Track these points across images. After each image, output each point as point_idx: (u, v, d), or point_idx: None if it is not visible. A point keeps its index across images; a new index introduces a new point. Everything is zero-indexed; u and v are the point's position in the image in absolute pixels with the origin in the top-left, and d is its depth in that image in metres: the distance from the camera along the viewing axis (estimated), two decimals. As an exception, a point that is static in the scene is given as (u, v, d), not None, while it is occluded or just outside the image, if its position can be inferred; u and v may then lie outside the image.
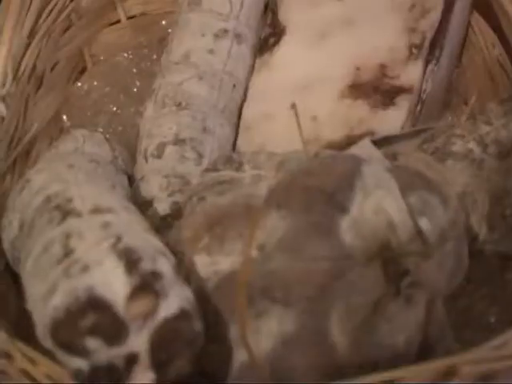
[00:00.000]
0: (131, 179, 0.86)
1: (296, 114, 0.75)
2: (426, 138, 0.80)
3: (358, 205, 0.62)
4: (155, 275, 0.58)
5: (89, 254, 0.59)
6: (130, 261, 0.58)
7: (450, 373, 0.59)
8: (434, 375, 0.59)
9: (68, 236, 0.62)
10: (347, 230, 0.62)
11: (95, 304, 0.56)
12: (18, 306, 0.66)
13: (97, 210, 0.64)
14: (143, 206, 0.83)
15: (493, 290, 0.76)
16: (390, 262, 0.62)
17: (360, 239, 0.62)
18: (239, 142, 0.92)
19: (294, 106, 0.76)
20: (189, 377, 0.59)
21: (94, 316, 0.56)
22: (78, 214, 0.64)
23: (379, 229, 0.62)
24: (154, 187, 0.85)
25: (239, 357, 0.63)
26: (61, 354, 0.58)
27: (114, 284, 0.57)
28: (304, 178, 0.64)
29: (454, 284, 0.67)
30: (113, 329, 0.56)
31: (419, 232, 0.63)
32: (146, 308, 0.57)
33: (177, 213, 0.82)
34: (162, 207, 0.84)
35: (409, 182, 0.66)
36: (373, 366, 0.60)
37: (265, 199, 0.65)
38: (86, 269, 0.58)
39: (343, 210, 0.62)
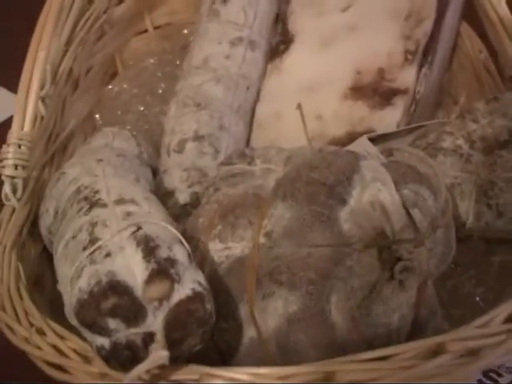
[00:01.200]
0: (156, 172, 0.84)
1: (301, 114, 0.73)
2: (419, 135, 0.79)
3: (356, 197, 0.60)
4: (170, 261, 0.56)
5: (111, 242, 0.57)
6: (148, 248, 0.56)
7: (440, 350, 0.56)
8: (425, 352, 0.56)
9: (94, 225, 0.60)
10: (346, 219, 0.60)
11: (116, 288, 0.54)
12: (54, 285, 0.64)
13: (120, 201, 0.62)
14: (166, 196, 0.82)
15: (479, 272, 0.74)
16: (385, 249, 0.59)
17: (357, 228, 0.59)
18: (252, 138, 0.90)
19: (299, 107, 0.74)
20: (202, 350, 0.57)
21: (114, 299, 0.54)
22: (104, 205, 0.62)
23: (375, 219, 0.60)
24: (175, 179, 0.83)
25: (248, 333, 0.61)
26: (85, 332, 0.56)
27: (133, 269, 0.55)
28: (308, 172, 0.61)
29: (443, 267, 0.65)
30: (131, 311, 0.54)
31: (412, 221, 0.61)
32: (161, 291, 0.55)
33: (195, 202, 0.80)
34: (183, 197, 0.82)
35: (402, 175, 0.64)
36: (369, 343, 0.59)
37: (272, 190, 0.63)
38: (108, 255, 0.56)
39: (343, 201, 0.60)
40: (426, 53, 0.86)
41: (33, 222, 0.74)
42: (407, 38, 0.86)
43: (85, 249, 0.58)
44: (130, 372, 0.53)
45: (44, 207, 0.73)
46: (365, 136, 0.73)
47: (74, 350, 0.59)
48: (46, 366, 0.59)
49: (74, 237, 0.60)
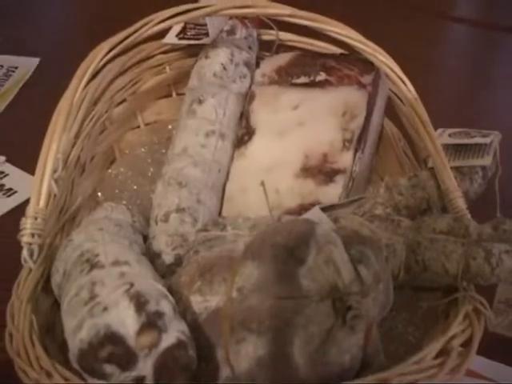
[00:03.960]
0: (146, 238, 0.78)
1: (264, 189, 0.69)
2: (358, 205, 0.73)
3: (313, 257, 0.54)
4: (158, 314, 0.50)
5: (108, 298, 0.51)
6: (139, 303, 0.50)
7: None
8: None
9: (93, 284, 0.54)
10: (305, 276, 0.53)
11: (112, 338, 0.49)
12: (63, 331, 0.57)
13: (116, 263, 0.57)
14: (154, 257, 0.75)
15: (409, 314, 0.69)
16: (338, 300, 0.53)
17: (314, 283, 0.53)
18: (223, 210, 0.84)
19: (262, 183, 0.69)
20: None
21: (110, 348, 0.48)
22: (102, 266, 0.56)
23: (329, 275, 0.54)
24: (161, 244, 0.76)
25: (224, 373, 0.55)
26: (86, 376, 0.50)
27: (126, 322, 0.49)
28: (272, 237, 0.56)
29: (384, 313, 0.60)
30: (125, 357, 0.48)
31: (358, 276, 0.56)
32: (151, 340, 0.49)
33: (178, 262, 0.74)
34: (168, 258, 0.75)
35: (349, 238, 0.58)
36: (325, 380, 0.52)
37: (243, 253, 0.57)
38: (105, 309, 0.50)
39: (301, 261, 0.53)
40: (359, 141, 0.81)
41: (46, 279, 0.67)
42: (344, 129, 0.82)
43: (85, 304, 0.52)
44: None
45: (55, 268, 0.66)
46: (317, 206, 0.67)
47: (77, 391, 0.52)
48: (52, 405, 0.52)
49: (76, 294, 0.54)
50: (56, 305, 0.66)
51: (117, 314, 0.49)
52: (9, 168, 1.01)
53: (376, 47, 0.78)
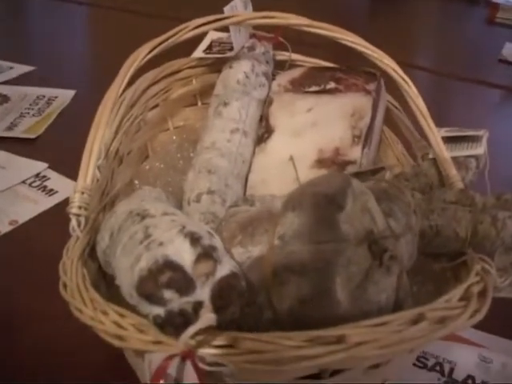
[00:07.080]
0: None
1: (293, 162, 0.65)
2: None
3: (350, 205, 0.49)
4: (212, 247, 0.45)
5: (163, 236, 0.46)
6: (194, 238, 0.45)
7: (420, 318, 0.46)
8: (410, 320, 0.46)
9: (147, 227, 0.48)
10: (344, 221, 0.48)
11: (170, 265, 0.43)
12: (107, 294, 0.52)
13: (166, 213, 0.51)
14: None
15: (423, 277, 0.62)
16: (374, 243, 0.48)
17: (352, 228, 0.48)
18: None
19: (291, 158, 0.64)
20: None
21: (169, 274, 0.43)
22: (153, 216, 0.50)
23: (365, 221, 0.49)
24: (194, 220, 0.70)
25: (266, 315, 0.49)
26: (143, 305, 0.44)
27: (183, 253, 0.44)
28: (311, 188, 0.50)
29: (411, 262, 0.54)
30: (184, 283, 0.43)
31: (389, 225, 0.51)
32: (207, 269, 0.44)
33: None
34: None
35: (379, 195, 0.53)
36: (364, 316, 0.46)
37: (282, 205, 0.51)
38: (161, 244, 0.45)
39: (341, 207, 0.48)
40: (366, 138, 0.76)
41: (91, 247, 0.61)
42: (353, 127, 0.77)
43: (141, 242, 0.46)
44: (186, 331, 0.40)
45: (100, 236, 0.60)
46: (347, 172, 0.62)
47: (132, 325, 0.45)
48: (108, 336, 0.45)
49: (130, 238, 0.48)
50: (100, 271, 0.60)
51: (173, 247, 0.43)
52: (50, 173, 1.00)
53: (382, 53, 0.73)
